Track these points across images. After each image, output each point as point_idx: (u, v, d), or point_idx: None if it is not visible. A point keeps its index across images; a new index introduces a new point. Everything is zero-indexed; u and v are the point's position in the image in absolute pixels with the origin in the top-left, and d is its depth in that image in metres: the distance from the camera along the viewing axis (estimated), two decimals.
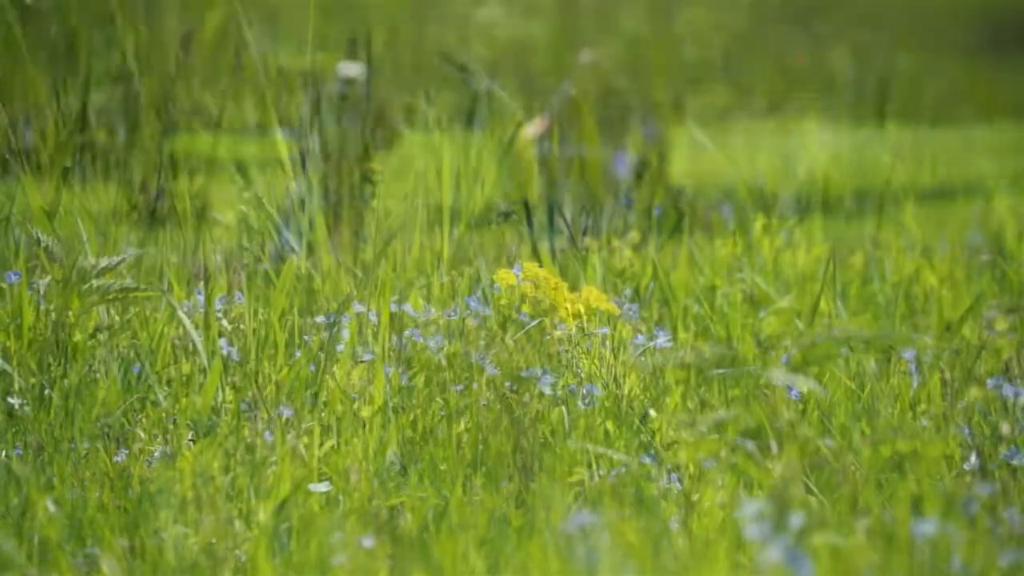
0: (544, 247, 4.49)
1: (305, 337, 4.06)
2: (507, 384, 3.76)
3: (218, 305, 4.04)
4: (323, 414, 3.71)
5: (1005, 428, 3.91)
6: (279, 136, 4.62)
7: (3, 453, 3.22)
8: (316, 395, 3.78)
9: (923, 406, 4.01)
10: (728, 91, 10.36)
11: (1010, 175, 6.34)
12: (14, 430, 3.51)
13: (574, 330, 3.88)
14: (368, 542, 3.01)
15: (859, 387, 3.54)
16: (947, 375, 4.07)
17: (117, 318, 3.89)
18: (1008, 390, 3.99)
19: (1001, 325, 4.32)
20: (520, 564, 2.71)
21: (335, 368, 3.82)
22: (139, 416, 3.53)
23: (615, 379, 3.84)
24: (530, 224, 4.55)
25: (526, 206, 4.59)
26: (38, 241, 3.94)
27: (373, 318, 3.96)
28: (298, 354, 3.98)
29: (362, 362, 3.86)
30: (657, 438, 3.72)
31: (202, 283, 4.09)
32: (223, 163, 4.68)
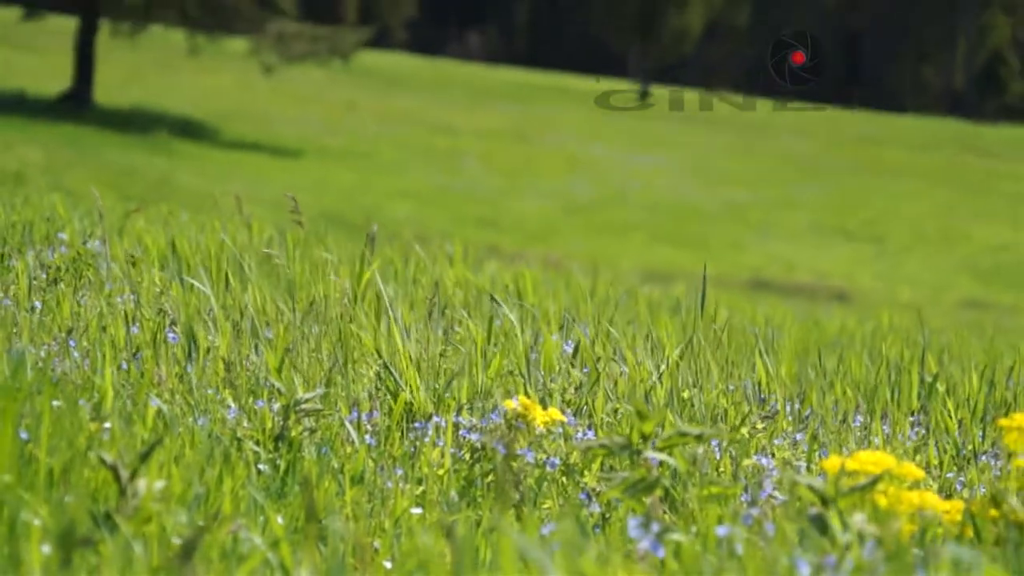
0: (531, 389, 4.43)
1: (409, 434, 3.97)
2: (510, 456, 3.70)
3: (365, 417, 3.96)
4: (417, 473, 3.62)
5: (765, 480, 3.84)
6: (396, 331, 4.56)
7: (253, 493, 3.12)
8: (414, 464, 3.69)
9: (723, 468, 3.93)
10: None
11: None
12: (261, 483, 3.42)
13: (544, 430, 3.80)
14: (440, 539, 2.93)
15: (691, 459, 3.45)
16: (733, 453, 4.01)
17: (313, 423, 3.80)
18: (763, 460, 3.95)
19: (759, 426, 4.26)
20: (518, 549, 2.59)
21: (424, 449, 3.74)
22: (323, 474, 3.44)
23: (566, 455, 3.76)
24: (522, 376, 4.49)
25: (520, 369, 4.55)
26: (272, 385, 3.87)
27: (443, 424, 3.89)
28: (406, 443, 3.89)
29: (438, 446, 3.78)
30: (588, 485, 3.64)
31: (356, 406, 4.01)
32: (367, 349, 4.62)
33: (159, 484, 2.85)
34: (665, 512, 3.41)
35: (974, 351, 7.42)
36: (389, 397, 4.24)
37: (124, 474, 2.79)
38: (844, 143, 62.15)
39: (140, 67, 52.94)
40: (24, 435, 3.10)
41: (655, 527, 2.73)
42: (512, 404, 3.81)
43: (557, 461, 3.73)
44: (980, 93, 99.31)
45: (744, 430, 4.19)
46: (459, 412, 4.11)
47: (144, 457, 2.82)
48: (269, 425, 3.69)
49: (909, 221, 44.52)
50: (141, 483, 2.79)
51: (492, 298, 5.37)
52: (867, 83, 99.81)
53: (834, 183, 49.93)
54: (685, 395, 4.44)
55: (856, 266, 38.42)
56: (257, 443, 3.65)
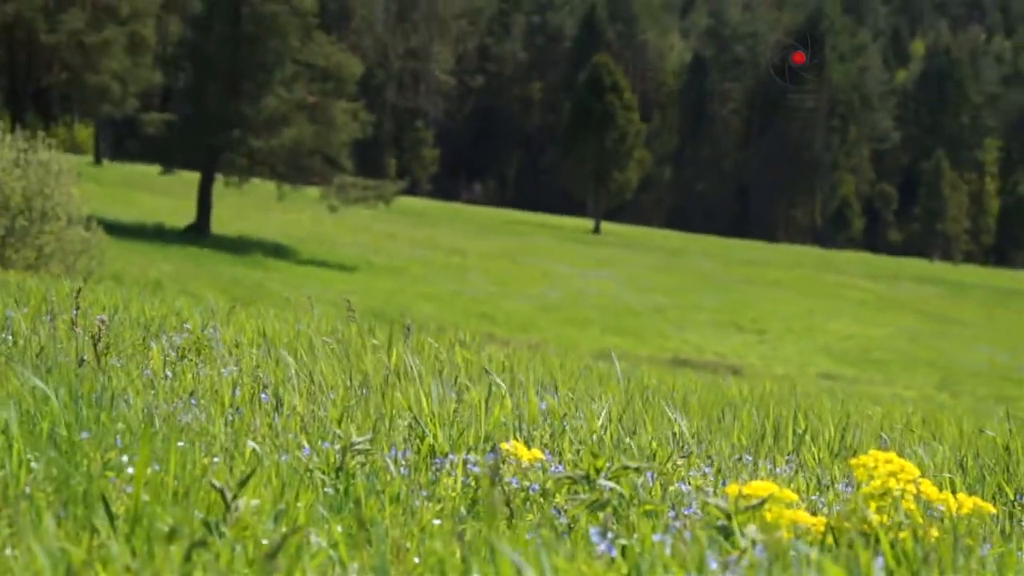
0: (519, 435, 4.37)
1: (432, 467, 3.92)
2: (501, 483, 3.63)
3: (400, 455, 3.91)
4: (437, 495, 3.57)
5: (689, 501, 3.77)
6: (423, 394, 4.50)
7: (320, 508, 3.08)
8: (435, 488, 3.64)
9: (654, 492, 3.87)
10: None
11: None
12: (325, 501, 3.37)
13: (529, 464, 3.74)
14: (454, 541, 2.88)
15: (632, 486, 3.40)
16: (662, 481, 3.96)
17: (363, 459, 3.75)
18: (683, 487, 3.87)
19: (680, 461, 4.20)
20: (511, 547, 2.55)
21: (442, 478, 3.69)
22: (370, 495, 3.40)
23: (543, 482, 3.71)
24: (512, 427, 4.43)
25: (510, 421, 4.48)
26: (334, 432, 3.83)
27: (456, 460, 3.83)
28: (429, 473, 3.85)
29: (452, 476, 3.73)
30: (559, 504, 3.58)
31: (394, 447, 3.96)
32: (402, 407, 4.55)
33: (254, 502, 2.83)
34: (614, 524, 3.37)
35: (829, 410, 7.39)
36: (418, 441, 4.20)
37: (228, 494, 2.76)
38: (737, 263, 62.36)
39: (244, 207, 53.09)
40: (156, 466, 3.08)
41: (609, 535, 2.70)
42: (506, 446, 3.76)
43: (536, 487, 3.69)
44: (833, 228, 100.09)
45: (669, 465, 4.15)
46: (468, 451, 4.06)
47: (243, 483, 2.79)
48: (332, 460, 3.66)
49: (783, 319, 44.55)
50: (241, 501, 2.76)
51: (488, 371, 5.34)
52: (753, 220, 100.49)
53: (729, 292, 50.02)
54: (627, 440, 4.40)
55: (746, 350, 38.43)
56: (323, 473, 3.62)
